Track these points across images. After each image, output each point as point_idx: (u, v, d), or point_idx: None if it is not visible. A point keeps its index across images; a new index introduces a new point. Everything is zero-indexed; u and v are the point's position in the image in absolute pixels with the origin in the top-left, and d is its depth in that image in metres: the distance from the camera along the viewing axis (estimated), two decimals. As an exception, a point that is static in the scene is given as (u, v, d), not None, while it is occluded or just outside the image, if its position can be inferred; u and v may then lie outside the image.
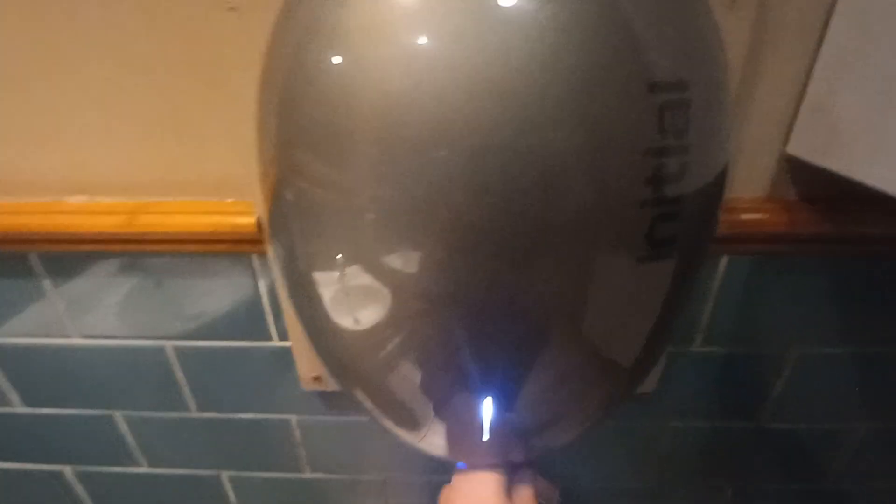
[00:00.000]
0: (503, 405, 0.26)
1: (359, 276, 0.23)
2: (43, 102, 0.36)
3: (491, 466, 0.30)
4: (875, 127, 0.28)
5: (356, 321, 0.25)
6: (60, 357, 0.48)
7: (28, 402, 0.52)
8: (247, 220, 0.37)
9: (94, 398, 0.51)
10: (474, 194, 0.19)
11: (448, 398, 0.27)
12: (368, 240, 0.22)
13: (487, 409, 0.26)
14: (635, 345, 0.26)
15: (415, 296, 0.23)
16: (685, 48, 0.21)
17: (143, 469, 0.57)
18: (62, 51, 0.34)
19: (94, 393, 0.51)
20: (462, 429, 0.28)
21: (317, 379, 0.47)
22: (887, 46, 0.28)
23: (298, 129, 0.22)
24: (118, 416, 0.52)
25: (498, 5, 0.19)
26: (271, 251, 0.39)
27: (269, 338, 0.46)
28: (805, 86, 0.34)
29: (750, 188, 0.37)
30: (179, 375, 0.48)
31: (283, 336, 0.45)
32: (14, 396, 0.52)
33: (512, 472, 0.31)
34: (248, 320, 0.44)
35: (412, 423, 0.29)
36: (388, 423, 0.30)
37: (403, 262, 0.22)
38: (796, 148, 0.35)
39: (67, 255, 0.42)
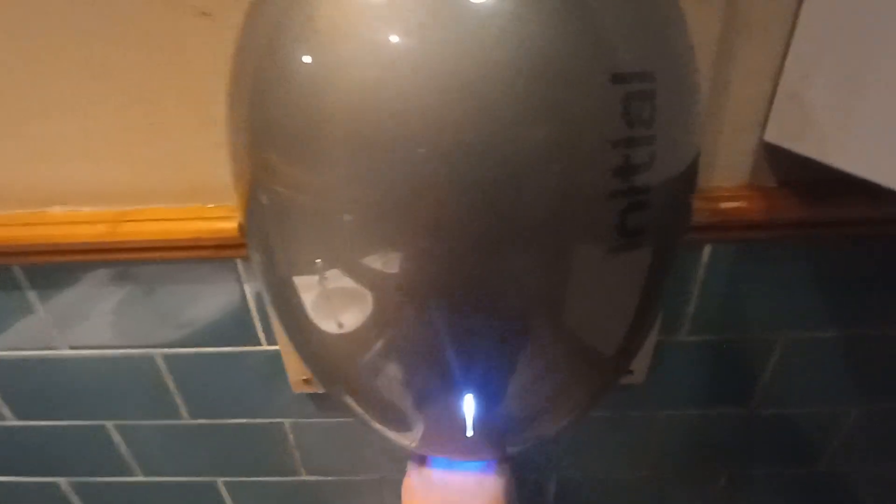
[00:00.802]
0: (488, 399, 0.26)
1: (338, 279, 0.23)
2: (19, 114, 0.36)
3: (474, 461, 0.30)
4: (845, 112, 0.29)
5: (339, 324, 0.25)
6: (50, 369, 0.48)
7: (20, 415, 0.52)
8: (229, 225, 0.37)
9: (86, 409, 0.51)
10: (447, 191, 0.20)
11: (432, 395, 0.27)
12: (345, 241, 0.22)
13: (472, 403, 0.26)
14: (615, 334, 0.26)
15: (395, 295, 0.23)
16: (649, 39, 0.21)
17: (139, 478, 0.57)
18: (37, 62, 0.34)
19: (85, 403, 0.51)
20: (449, 424, 0.28)
21: (307, 381, 0.47)
22: (855, 32, 0.28)
23: (269, 131, 0.22)
24: (110, 425, 0.52)
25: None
26: (250, 257, 0.39)
27: (257, 342, 0.46)
28: (779, 73, 0.34)
29: (730, 176, 0.38)
30: (170, 383, 0.48)
31: (271, 340, 0.45)
32: (5, 410, 0.51)
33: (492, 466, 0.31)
34: (235, 325, 0.44)
35: (400, 423, 0.29)
36: (376, 425, 0.31)
37: (382, 261, 0.22)
38: (773, 135, 0.35)
39: (51, 266, 0.42)
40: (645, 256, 0.23)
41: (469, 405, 0.26)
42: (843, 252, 0.41)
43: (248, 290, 0.43)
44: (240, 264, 0.41)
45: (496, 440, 0.30)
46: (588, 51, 0.19)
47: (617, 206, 0.21)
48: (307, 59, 0.20)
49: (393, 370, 0.26)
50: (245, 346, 0.46)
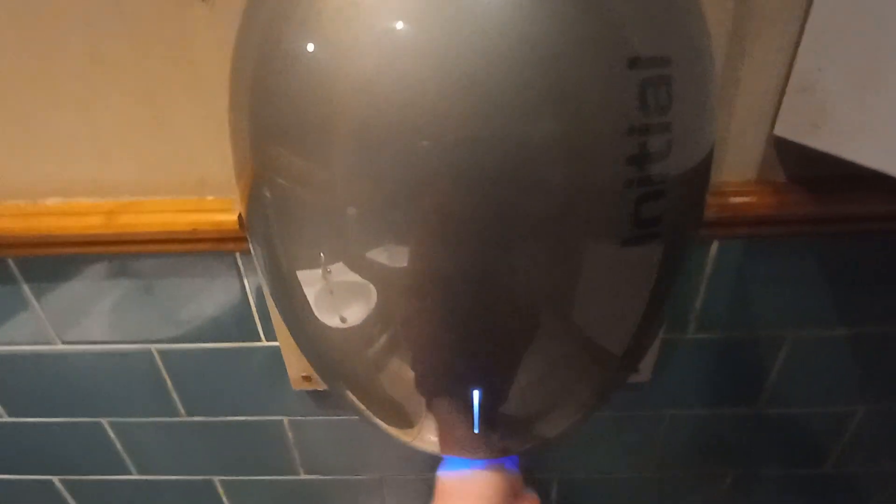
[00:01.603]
0: (493, 396, 0.26)
1: (342, 273, 0.22)
2: (15, 103, 0.35)
3: (483, 460, 0.30)
4: (862, 104, 0.28)
5: (342, 319, 0.24)
6: (44, 364, 0.47)
7: (13, 411, 0.51)
8: (228, 218, 0.37)
9: (81, 405, 0.50)
10: (456, 184, 0.19)
11: (437, 392, 0.26)
12: (350, 235, 0.21)
13: (478, 400, 0.26)
14: (626, 330, 0.26)
15: (400, 289, 0.22)
16: (665, 23, 0.20)
17: (134, 476, 0.56)
18: (34, 51, 0.33)
19: (80, 400, 0.50)
20: (455, 422, 0.28)
21: (307, 378, 0.46)
22: (872, 22, 0.28)
23: (272, 123, 0.21)
24: (106, 422, 0.51)
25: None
26: (252, 251, 0.38)
27: (257, 338, 0.45)
28: (791, 65, 0.33)
29: (738, 171, 0.37)
30: (167, 379, 0.48)
31: (271, 336, 0.45)
32: (-2, 406, 0.51)
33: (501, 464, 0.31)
34: (235, 321, 0.44)
35: (404, 420, 0.29)
36: (380, 422, 0.30)
37: (387, 256, 0.21)
38: (784, 129, 0.35)
39: (46, 258, 0.41)
40: (658, 249, 0.23)
41: (475, 402, 0.26)
42: (853, 249, 0.40)
43: (248, 285, 0.42)
44: (239, 258, 0.41)
45: (500, 438, 0.29)
46: (603, 35, 0.19)
47: (632, 195, 0.20)
48: (310, 48, 0.19)
49: (397, 366, 0.25)
50: (244, 342, 0.45)
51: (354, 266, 0.22)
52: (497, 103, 0.18)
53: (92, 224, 0.37)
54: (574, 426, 0.30)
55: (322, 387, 0.47)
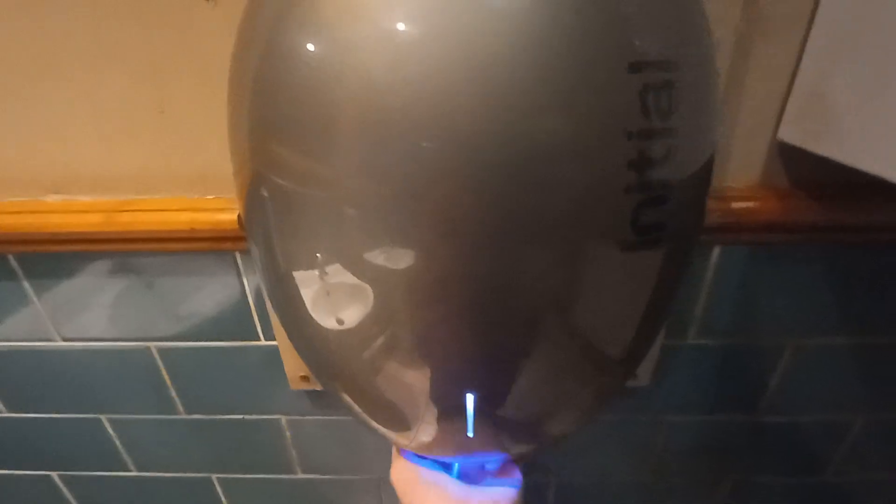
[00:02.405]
0: (493, 399, 0.25)
1: (341, 274, 0.22)
2: (17, 100, 0.35)
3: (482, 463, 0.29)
4: (869, 111, 0.28)
5: (339, 321, 0.24)
6: (44, 360, 0.47)
7: (12, 407, 0.51)
8: (228, 217, 0.37)
9: (80, 402, 0.50)
10: (455, 184, 0.19)
11: (436, 394, 0.26)
12: (350, 235, 0.21)
13: (478, 403, 0.26)
14: (625, 335, 0.25)
15: (399, 291, 0.22)
16: (668, 28, 0.20)
17: (132, 473, 0.56)
18: (37, 48, 0.33)
19: (79, 396, 0.50)
20: (453, 424, 0.27)
21: (304, 378, 0.46)
22: (879, 28, 0.27)
23: (273, 121, 0.21)
24: (104, 419, 0.51)
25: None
26: (250, 251, 0.38)
27: (255, 337, 0.45)
28: (796, 71, 0.33)
29: (741, 176, 0.37)
30: (165, 377, 0.48)
31: (269, 335, 0.45)
32: (-2, 401, 0.51)
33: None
34: (233, 320, 0.44)
35: (401, 422, 0.29)
36: (375, 423, 0.30)
37: (387, 257, 0.21)
38: (788, 134, 0.34)
39: (47, 255, 0.41)
40: (659, 255, 0.23)
41: (472, 405, 0.26)
42: (856, 257, 0.40)
43: (247, 284, 0.42)
44: (239, 257, 0.41)
45: (499, 441, 0.29)
46: (605, 38, 0.19)
47: (632, 201, 0.20)
48: (311, 46, 0.19)
49: (393, 367, 0.25)
50: (242, 340, 0.45)
51: (354, 267, 0.22)
52: (498, 103, 0.18)
53: (92, 222, 0.37)
54: (571, 430, 0.30)
55: (319, 386, 0.47)
